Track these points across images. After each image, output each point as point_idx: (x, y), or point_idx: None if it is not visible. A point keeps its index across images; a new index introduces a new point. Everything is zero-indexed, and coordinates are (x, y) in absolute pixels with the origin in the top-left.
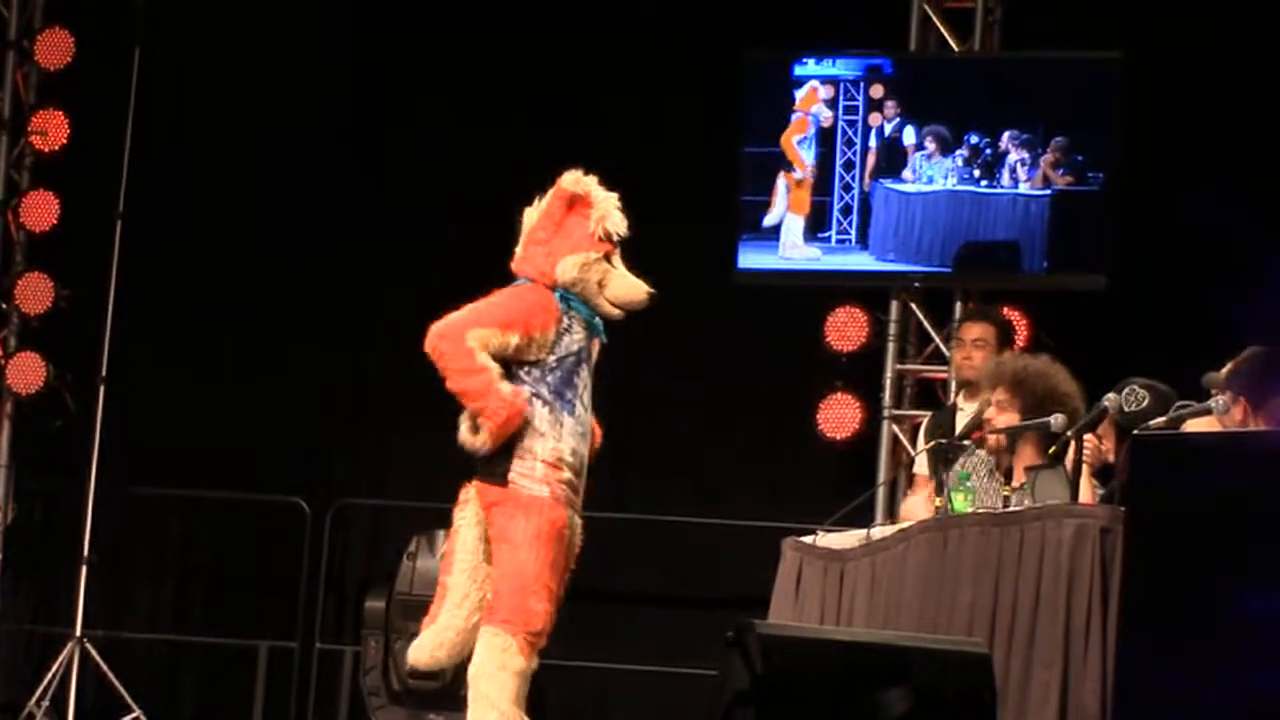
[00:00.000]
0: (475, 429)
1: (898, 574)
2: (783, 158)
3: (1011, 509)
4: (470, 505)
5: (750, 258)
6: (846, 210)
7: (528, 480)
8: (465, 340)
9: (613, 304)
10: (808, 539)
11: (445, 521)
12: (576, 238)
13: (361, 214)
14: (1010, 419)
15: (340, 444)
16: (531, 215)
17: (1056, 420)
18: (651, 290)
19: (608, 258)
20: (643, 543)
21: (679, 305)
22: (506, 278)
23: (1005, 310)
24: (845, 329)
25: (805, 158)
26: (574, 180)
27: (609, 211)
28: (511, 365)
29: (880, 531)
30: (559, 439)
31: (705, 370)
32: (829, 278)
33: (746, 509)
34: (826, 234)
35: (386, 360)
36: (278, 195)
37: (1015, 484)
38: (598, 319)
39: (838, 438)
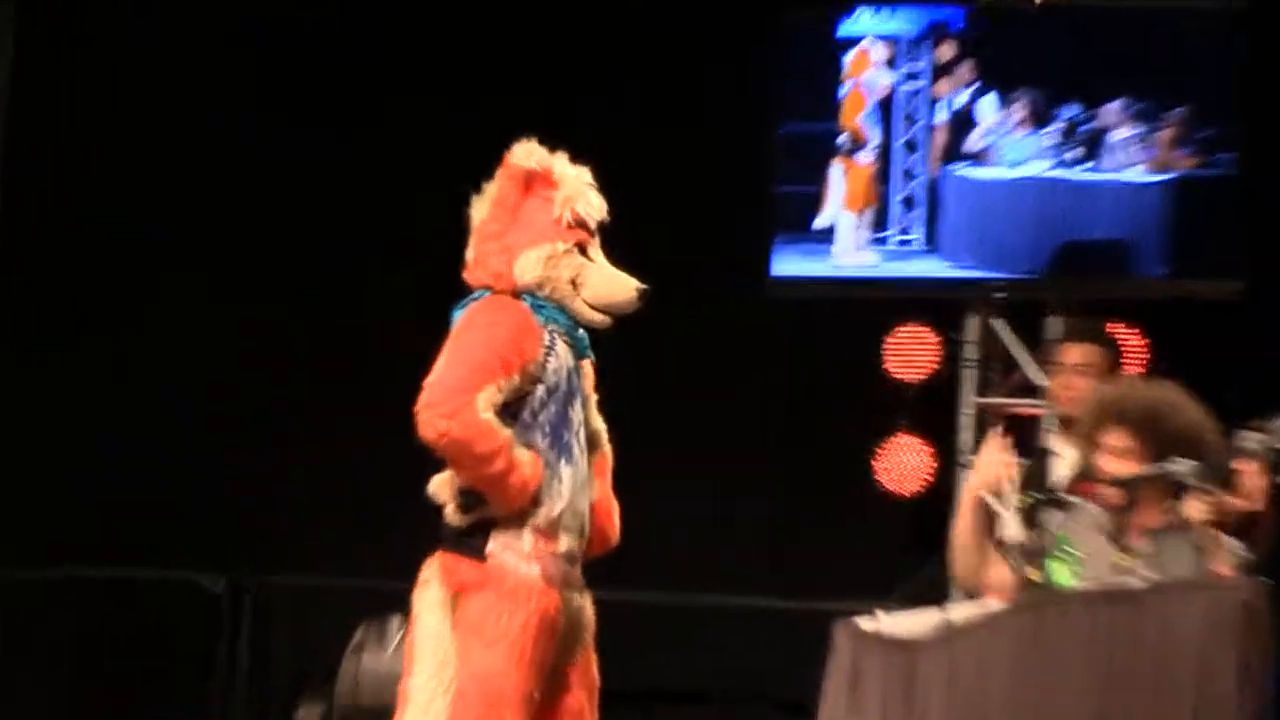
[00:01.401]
0: (467, 506)
1: (983, 667)
2: (832, 138)
3: (1127, 582)
4: (434, 585)
5: (789, 263)
6: (909, 204)
7: (513, 556)
8: (478, 411)
9: (592, 306)
10: (866, 623)
11: (402, 605)
12: (538, 226)
13: (274, 219)
14: (1127, 467)
15: (261, 505)
16: (480, 207)
17: (1186, 467)
18: (641, 286)
19: (582, 249)
20: (652, 629)
21: (696, 324)
22: (450, 297)
23: (1113, 327)
24: (909, 353)
25: (871, 135)
26: (526, 153)
27: (579, 191)
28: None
29: (959, 612)
30: (555, 498)
31: (729, 407)
32: (887, 288)
33: (785, 585)
34: (884, 234)
35: (319, 395)
36: (170, 220)
37: (1133, 551)
38: (581, 331)
39: (901, 492)
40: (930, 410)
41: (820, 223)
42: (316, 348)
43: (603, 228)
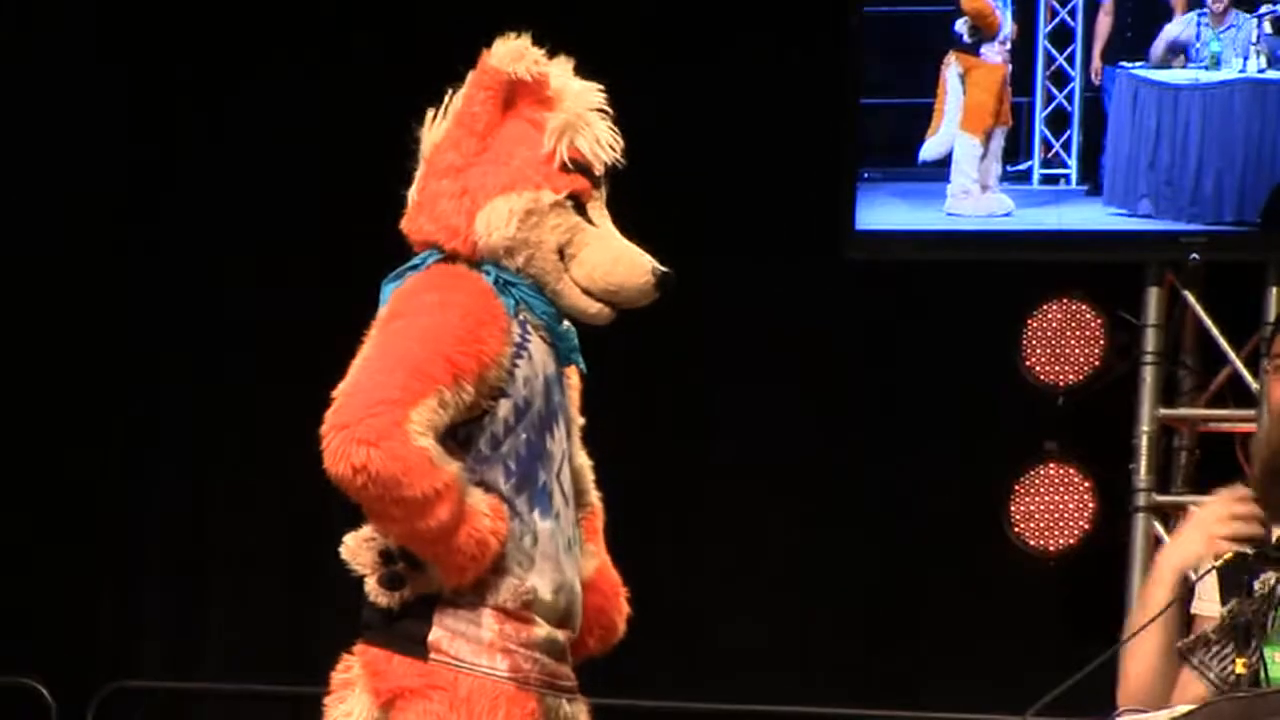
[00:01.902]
0: (395, 579)
1: None
2: (947, 24)
3: None
4: (355, 692)
5: (881, 212)
6: (1058, 122)
7: (467, 648)
8: (411, 435)
9: (586, 289)
10: None
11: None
12: (517, 164)
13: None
14: None
15: (109, 589)
16: (435, 128)
17: None
18: (661, 268)
19: (579, 205)
20: None
21: (745, 302)
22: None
23: None
24: (1060, 344)
25: (1004, 20)
26: (512, 54)
27: (583, 118)
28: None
29: None
30: (527, 564)
31: (793, 425)
32: (1027, 247)
33: (878, 688)
34: (1022, 167)
35: (177, 444)
36: None
37: None
38: (566, 325)
39: (1049, 547)
40: (1092, 427)
41: (929, 152)
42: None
43: (612, 176)
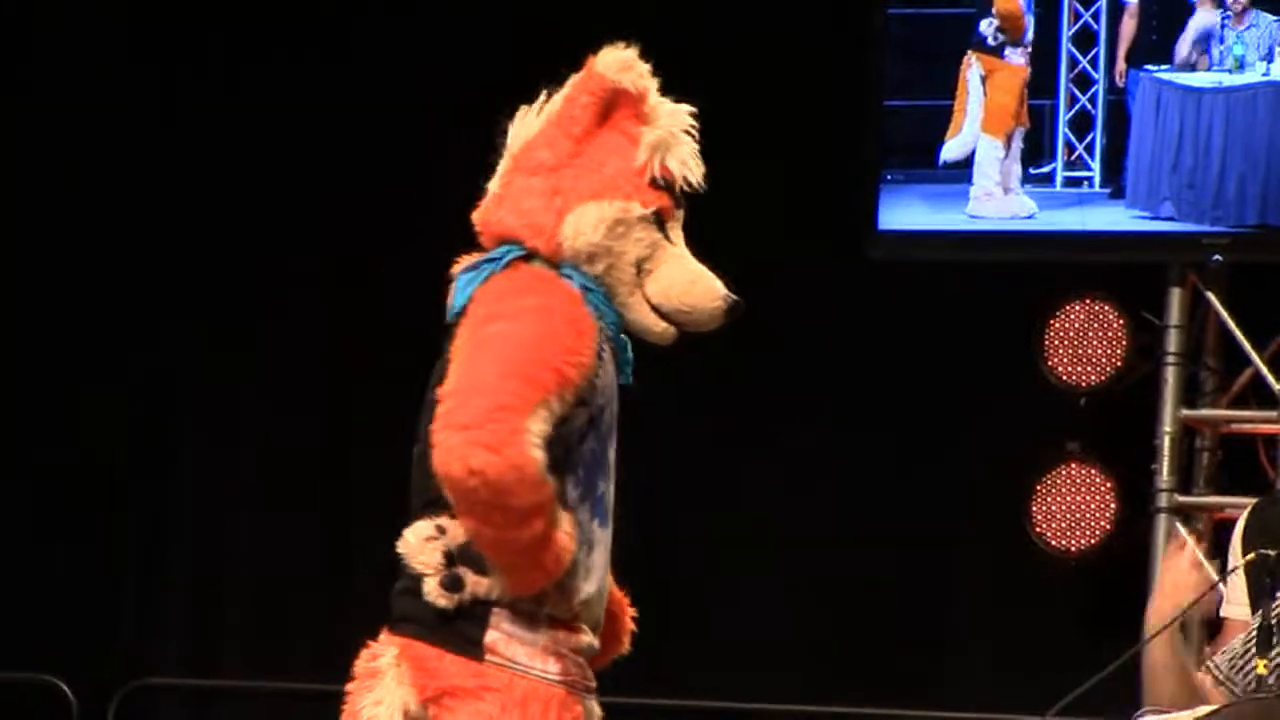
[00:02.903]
0: (457, 583)
1: None
2: (970, 26)
3: None
4: (393, 685)
5: (904, 213)
6: (1082, 124)
7: (523, 652)
8: (529, 444)
9: (658, 308)
10: None
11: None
12: (609, 173)
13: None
14: None
15: (130, 587)
16: (528, 123)
17: None
18: (734, 297)
19: (661, 221)
20: None
21: (766, 302)
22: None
23: None
24: (1083, 345)
25: (1029, 22)
26: (621, 65)
27: (676, 139)
28: None
29: None
30: (584, 574)
31: (815, 424)
32: (1049, 247)
33: (898, 689)
34: (1045, 170)
35: (200, 445)
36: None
37: None
38: (624, 336)
39: (1070, 548)
40: (1114, 428)
41: (950, 153)
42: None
43: (691, 201)
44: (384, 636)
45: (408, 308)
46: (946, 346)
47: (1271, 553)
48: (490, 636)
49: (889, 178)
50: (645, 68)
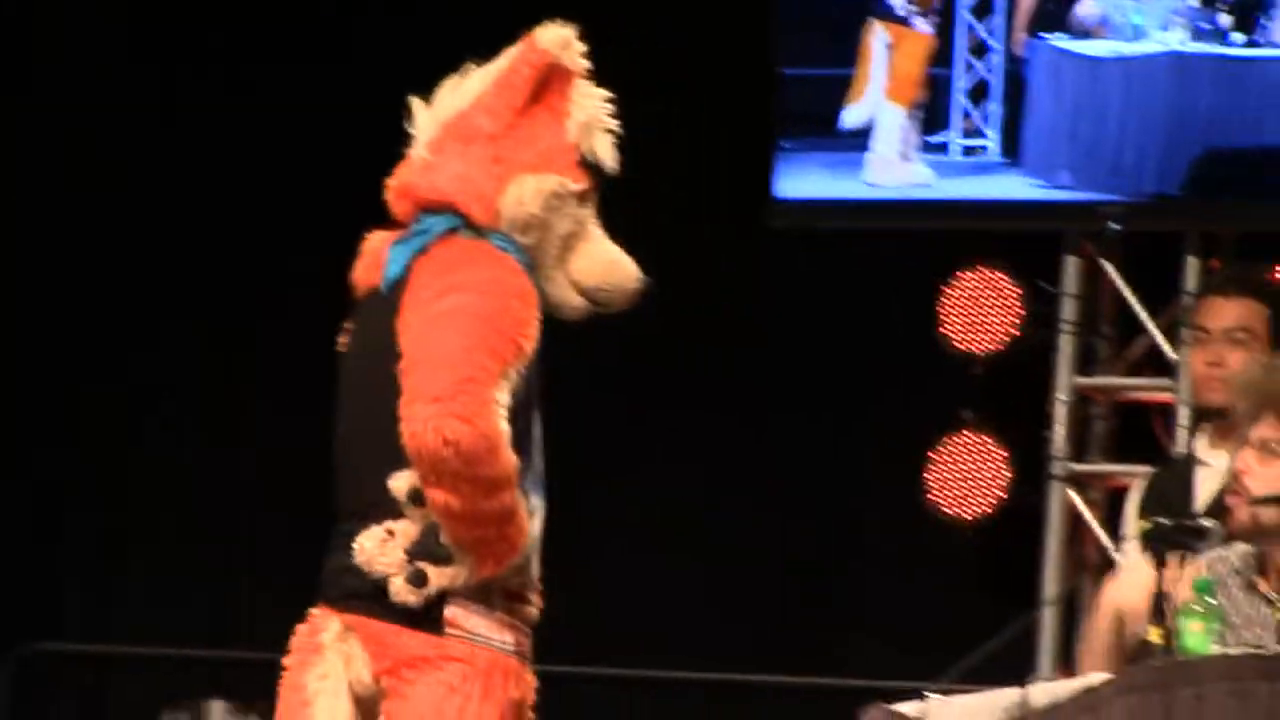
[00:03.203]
0: (421, 578)
1: None
2: None
3: None
4: (333, 656)
5: (802, 181)
6: (978, 94)
7: (482, 623)
8: (496, 418)
9: (577, 284)
10: (909, 708)
11: (231, 680)
12: (543, 146)
13: None
14: None
15: (29, 551)
16: (463, 91)
17: None
18: (646, 278)
19: (581, 201)
20: (602, 712)
21: (662, 271)
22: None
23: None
24: (979, 313)
25: None
26: (562, 42)
27: (602, 122)
28: None
29: (1046, 692)
30: (530, 547)
31: (709, 393)
32: (945, 216)
33: (794, 654)
34: (941, 138)
35: (100, 408)
36: None
37: None
38: None
39: (964, 515)
40: (1008, 396)
41: (850, 120)
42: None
43: (602, 190)
44: (322, 611)
45: None
46: (842, 315)
47: (1167, 521)
48: (450, 610)
49: (786, 146)
50: (582, 47)
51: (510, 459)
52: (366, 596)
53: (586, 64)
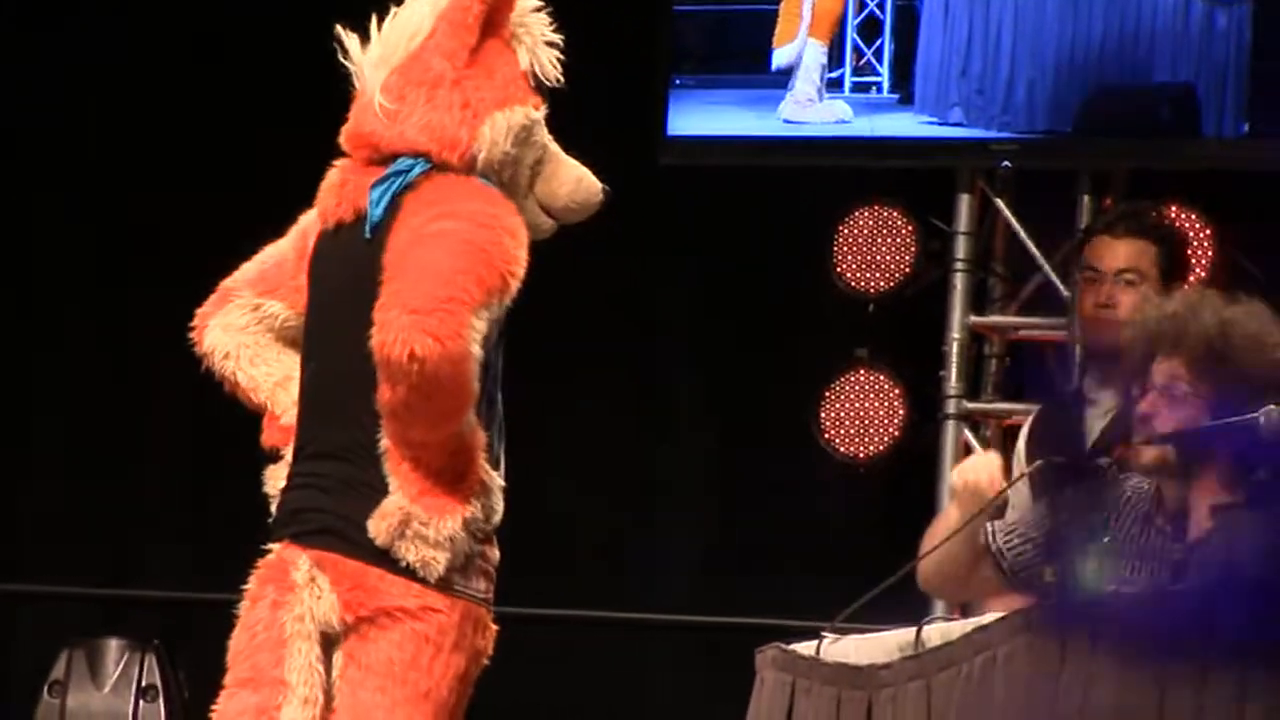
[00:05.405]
0: (404, 525)
1: (973, 707)
2: None
3: (1187, 584)
4: (307, 594)
5: (710, 119)
6: (870, 29)
7: (456, 572)
8: (468, 343)
9: (548, 208)
10: (803, 647)
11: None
12: (500, 78)
13: None
14: (1188, 416)
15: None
16: (416, 23)
17: (1274, 418)
18: (607, 188)
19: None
20: (514, 649)
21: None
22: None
23: (1173, 212)
24: (872, 251)
25: None
26: None
27: (545, 36)
28: None
29: (939, 631)
30: (496, 490)
31: (606, 325)
32: (837, 152)
33: (691, 593)
34: (834, 75)
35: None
36: None
37: (1193, 537)
38: None
39: (859, 454)
40: (902, 334)
41: (782, 59)
42: None
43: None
44: (287, 548)
45: None
46: (734, 253)
47: (1061, 460)
48: (418, 557)
49: (679, 83)
50: None
51: (472, 389)
52: (343, 536)
53: None
